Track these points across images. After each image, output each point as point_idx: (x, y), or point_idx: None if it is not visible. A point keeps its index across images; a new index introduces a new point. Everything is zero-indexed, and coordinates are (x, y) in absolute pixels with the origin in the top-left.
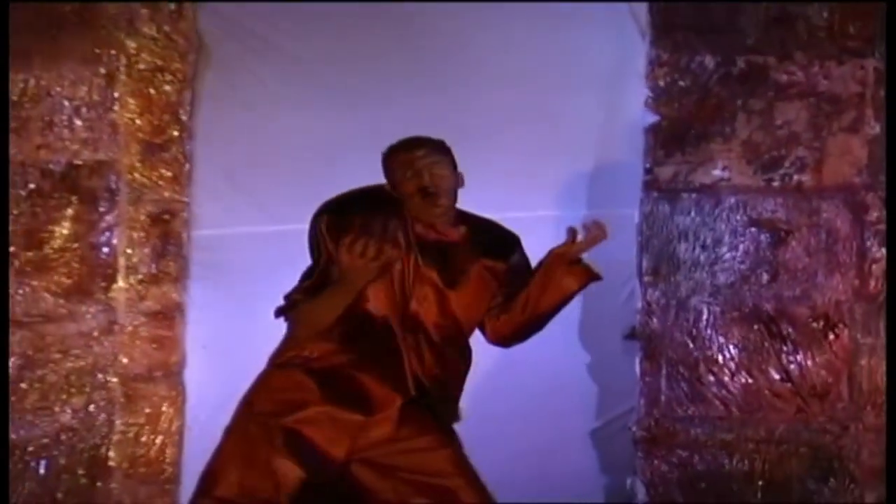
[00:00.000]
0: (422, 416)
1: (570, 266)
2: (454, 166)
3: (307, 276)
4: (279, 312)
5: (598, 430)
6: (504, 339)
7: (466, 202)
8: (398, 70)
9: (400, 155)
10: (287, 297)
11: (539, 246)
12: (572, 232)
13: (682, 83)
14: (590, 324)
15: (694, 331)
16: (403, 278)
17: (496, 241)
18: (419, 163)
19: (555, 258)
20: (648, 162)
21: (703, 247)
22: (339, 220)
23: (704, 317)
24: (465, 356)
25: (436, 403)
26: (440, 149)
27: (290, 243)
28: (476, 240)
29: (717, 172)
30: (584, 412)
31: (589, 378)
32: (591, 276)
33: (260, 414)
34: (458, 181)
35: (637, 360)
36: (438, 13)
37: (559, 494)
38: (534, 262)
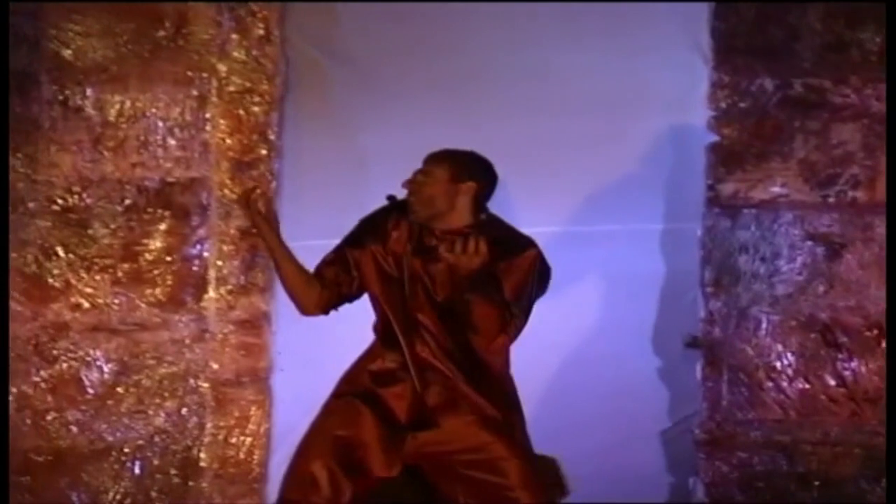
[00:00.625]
0: (492, 422)
1: (488, 301)
2: (454, 178)
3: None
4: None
5: (667, 431)
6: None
7: (546, 216)
8: (479, 94)
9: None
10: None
11: (610, 258)
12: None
13: (742, 105)
14: (659, 330)
15: (753, 339)
16: (402, 283)
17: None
18: (415, 173)
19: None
20: (710, 179)
21: (763, 259)
22: (362, 230)
23: (763, 326)
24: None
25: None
26: (449, 160)
27: None
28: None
29: (775, 189)
30: (653, 414)
31: (658, 381)
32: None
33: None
34: (457, 190)
35: (699, 367)
36: (518, 42)
37: (624, 493)
38: (603, 276)
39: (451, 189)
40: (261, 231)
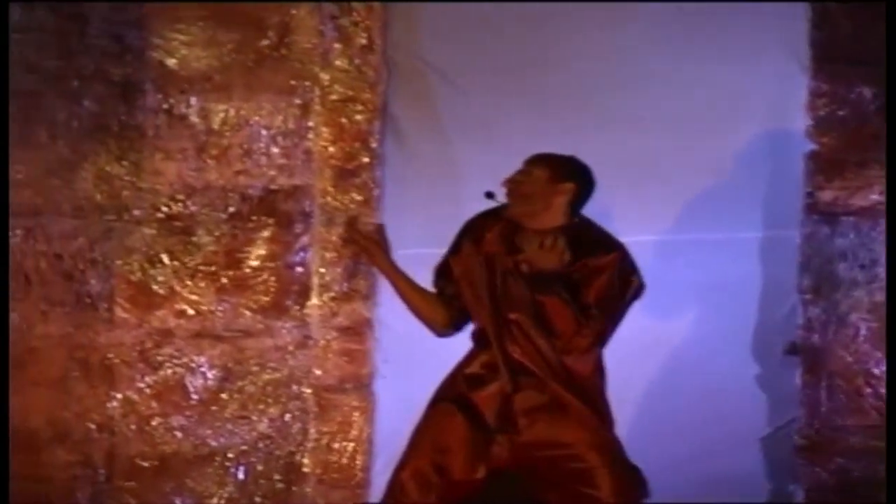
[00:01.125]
0: (584, 421)
1: (563, 302)
2: (554, 179)
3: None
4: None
5: (766, 437)
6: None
7: (647, 225)
8: (578, 104)
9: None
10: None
11: (710, 266)
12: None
13: (840, 113)
14: (759, 337)
15: (852, 345)
16: (495, 276)
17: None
18: (514, 172)
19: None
20: (809, 187)
21: (862, 266)
22: (462, 232)
23: (862, 332)
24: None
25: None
26: (550, 162)
27: None
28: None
29: (874, 197)
30: (752, 420)
31: (757, 388)
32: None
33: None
34: (555, 191)
35: (798, 373)
36: (617, 52)
37: (723, 498)
38: (703, 284)
39: (549, 189)
40: (374, 259)
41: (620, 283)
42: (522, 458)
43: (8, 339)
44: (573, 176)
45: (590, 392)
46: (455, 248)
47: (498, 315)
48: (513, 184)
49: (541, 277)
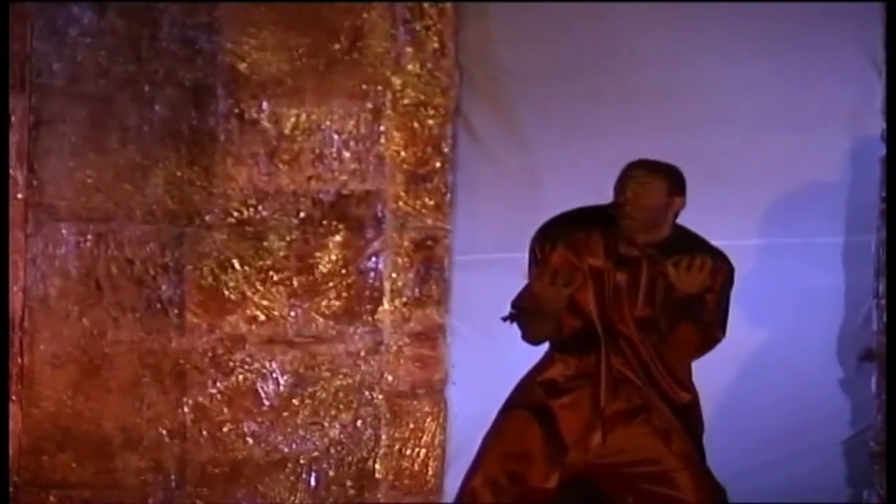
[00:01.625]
0: (670, 433)
1: (691, 319)
2: (671, 191)
3: (525, 289)
4: (506, 318)
5: (847, 441)
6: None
7: (726, 229)
8: (651, 109)
9: (622, 172)
10: (513, 305)
11: (789, 270)
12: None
13: None
14: (839, 342)
15: None
16: (604, 289)
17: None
18: (628, 181)
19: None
20: (885, 191)
21: None
22: (543, 238)
23: None
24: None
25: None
26: (663, 172)
27: None
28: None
29: None
30: (833, 425)
31: (838, 393)
32: (714, 334)
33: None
34: (673, 205)
35: (873, 379)
36: (691, 55)
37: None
38: (782, 288)
39: (666, 202)
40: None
41: (727, 293)
42: (598, 464)
43: (8, 339)
44: (682, 190)
45: (684, 401)
46: (542, 253)
47: (606, 327)
48: (635, 194)
49: (687, 299)
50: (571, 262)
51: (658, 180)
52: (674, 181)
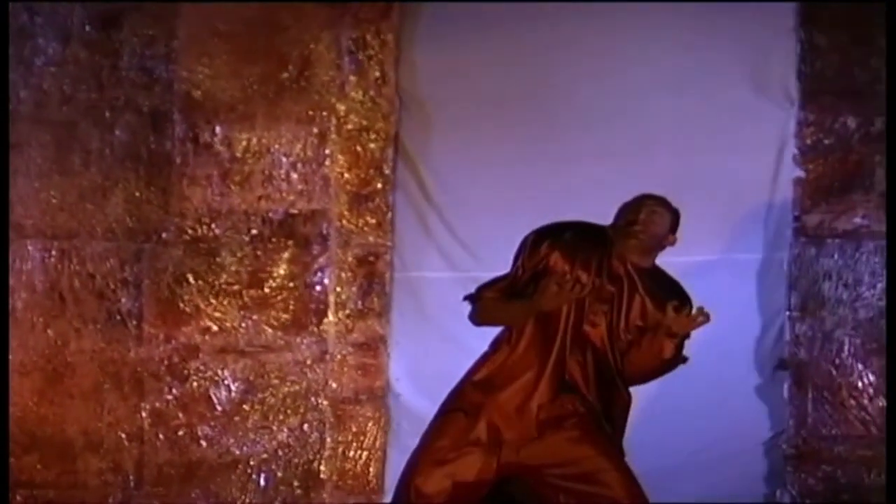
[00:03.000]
0: (599, 437)
1: (670, 337)
2: (672, 227)
3: (500, 278)
4: (467, 297)
5: (764, 444)
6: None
7: None
8: (572, 137)
9: (633, 201)
10: (478, 290)
11: (709, 285)
12: (688, 309)
13: (827, 141)
14: (755, 352)
15: (837, 360)
16: (584, 300)
17: (665, 291)
18: (644, 207)
19: (662, 325)
20: (797, 211)
21: (846, 286)
22: (541, 238)
23: (846, 348)
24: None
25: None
26: (669, 209)
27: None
28: (649, 284)
29: (857, 220)
30: (750, 430)
31: (756, 400)
32: (680, 356)
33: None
34: (668, 240)
35: (786, 387)
36: (612, 88)
37: (723, 503)
38: (705, 302)
39: (665, 238)
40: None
41: None
42: (529, 465)
43: (8, 340)
44: (677, 226)
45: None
46: (536, 251)
47: (575, 334)
48: (647, 219)
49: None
50: (566, 269)
51: (667, 214)
52: (675, 220)
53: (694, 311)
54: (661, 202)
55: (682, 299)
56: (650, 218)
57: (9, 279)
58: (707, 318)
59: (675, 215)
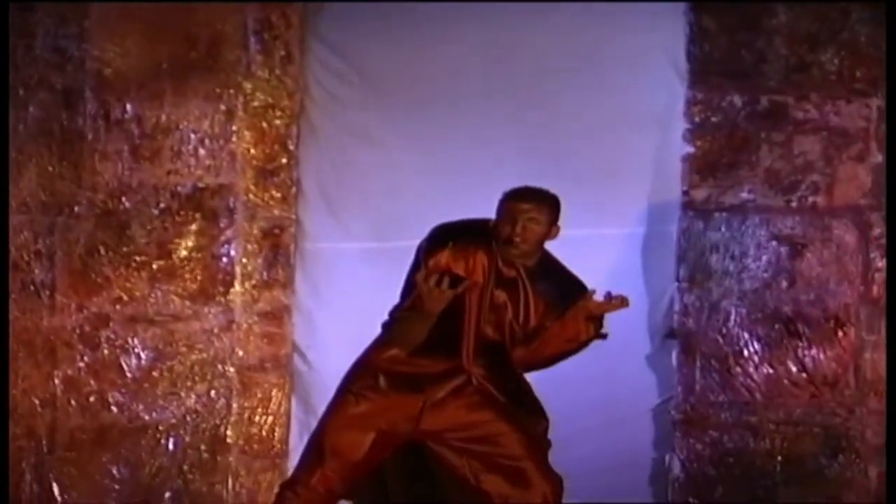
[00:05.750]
0: (497, 405)
1: (587, 320)
2: (553, 221)
3: (405, 295)
4: (385, 326)
5: (654, 409)
6: (518, 367)
7: None
8: (478, 111)
9: (509, 202)
10: (391, 314)
11: (601, 258)
12: (607, 295)
13: (714, 119)
14: (645, 322)
15: (724, 329)
16: (481, 301)
17: (558, 286)
18: (519, 215)
19: (578, 310)
20: (685, 186)
21: (732, 258)
22: (433, 247)
23: (732, 317)
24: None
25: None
26: (548, 204)
27: (379, 257)
28: (541, 282)
29: (743, 195)
30: (640, 397)
31: (645, 367)
32: (599, 333)
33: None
34: (550, 234)
35: (674, 355)
36: (515, 66)
37: (612, 466)
38: (596, 273)
39: (547, 232)
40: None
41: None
42: (430, 431)
43: (8, 342)
44: (559, 215)
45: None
46: (431, 253)
47: (477, 334)
48: (525, 230)
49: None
50: (459, 268)
51: (544, 213)
52: (555, 210)
53: (614, 297)
54: (538, 204)
55: (577, 288)
56: (527, 227)
57: (9, 279)
58: (625, 303)
59: (553, 208)
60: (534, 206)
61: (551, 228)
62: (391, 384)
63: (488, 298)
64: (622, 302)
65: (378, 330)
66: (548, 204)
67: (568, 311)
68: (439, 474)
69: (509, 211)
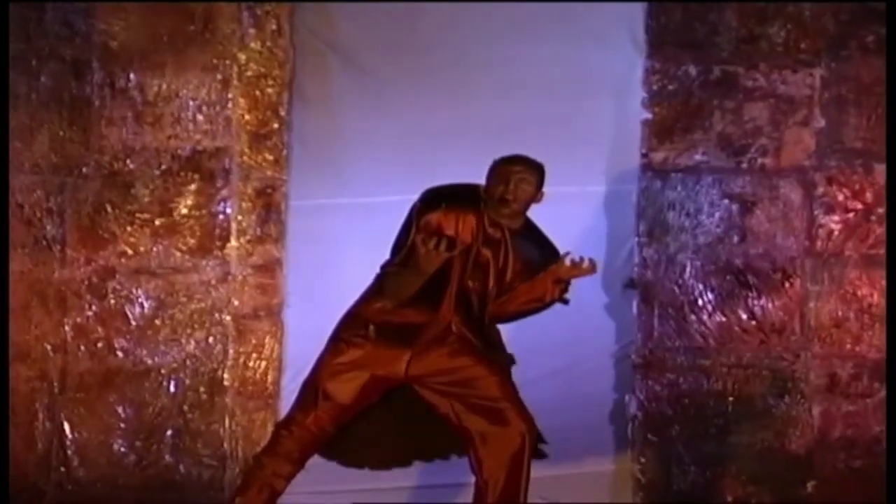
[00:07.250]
0: (475, 352)
1: (555, 283)
2: (540, 186)
3: (395, 251)
4: (376, 278)
5: (613, 354)
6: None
7: None
8: (455, 81)
9: (501, 166)
10: (383, 268)
11: (564, 215)
12: (576, 261)
13: (671, 87)
14: (606, 274)
15: (680, 280)
16: (466, 259)
17: (536, 249)
18: (512, 175)
19: (549, 273)
20: (644, 149)
21: (688, 215)
22: (426, 208)
23: (688, 270)
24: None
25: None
26: (536, 170)
27: (365, 212)
28: (521, 245)
29: (698, 157)
30: (601, 342)
31: (606, 315)
32: (562, 297)
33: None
34: (537, 197)
35: (634, 304)
36: (489, 38)
37: (575, 406)
38: (561, 229)
39: (536, 195)
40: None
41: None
42: (415, 376)
43: (8, 340)
44: (543, 182)
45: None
46: (424, 214)
47: (460, 289)
48: (518, 189)
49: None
50: (450, 228)
51: (534, 175)
52: (541, 176)
53: (585, 262)
54: (528, 167)
55: (551, 252)
56: (519, 187)
57: (9, 279)
58: (594, 268)
59: (540, 174)
60: (524, 168)
61: (538, 192)
62: (380, 333)
63: (473, 256)
64: (591, 267)
65: (363, 282)
66: (536, 168)
67: (540, 272)
68: (426, 419)
69: (502, 173)
